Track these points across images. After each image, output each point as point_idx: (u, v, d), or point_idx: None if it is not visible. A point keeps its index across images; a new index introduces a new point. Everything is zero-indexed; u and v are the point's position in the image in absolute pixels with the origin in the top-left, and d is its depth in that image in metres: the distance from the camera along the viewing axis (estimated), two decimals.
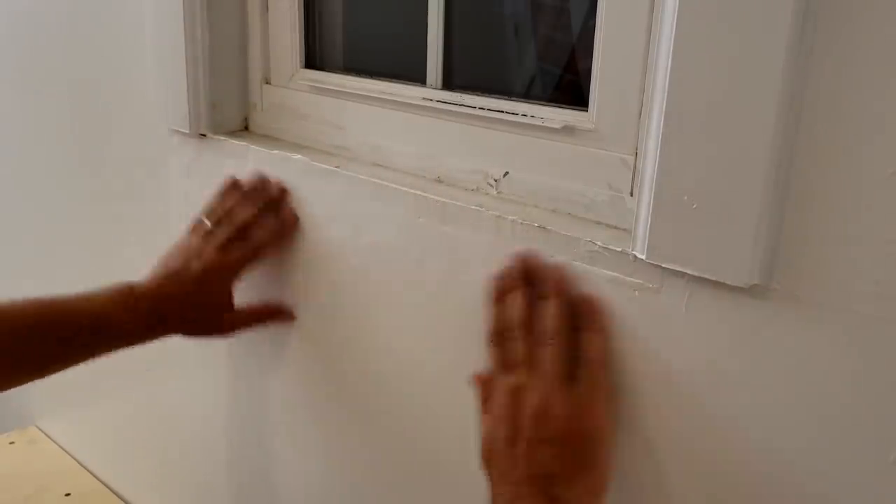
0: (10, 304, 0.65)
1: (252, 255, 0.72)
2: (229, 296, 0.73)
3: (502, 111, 0.63)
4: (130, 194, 0.97)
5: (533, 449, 0.50)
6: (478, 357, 0.63)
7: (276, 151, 0.76)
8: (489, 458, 0.53)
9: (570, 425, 0.50)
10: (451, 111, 0.67)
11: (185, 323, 0.72)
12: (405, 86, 0.71)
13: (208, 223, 0.73)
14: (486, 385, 0.57)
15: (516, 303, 0.55)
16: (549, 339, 0.52)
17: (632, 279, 0.53)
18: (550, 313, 0.53)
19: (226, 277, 0.72)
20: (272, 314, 0.77)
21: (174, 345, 0.96)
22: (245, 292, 0.80)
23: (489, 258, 0.60)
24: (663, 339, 0.52)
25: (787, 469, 0.48)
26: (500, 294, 0.57)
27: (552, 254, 0.57)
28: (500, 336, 0.56)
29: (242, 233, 0.72)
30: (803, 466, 0.47)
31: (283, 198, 0.74)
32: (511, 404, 0.52)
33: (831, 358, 0.45)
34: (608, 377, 0.53)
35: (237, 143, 0.80)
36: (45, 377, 0.68)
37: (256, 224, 0.72)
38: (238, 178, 0.77)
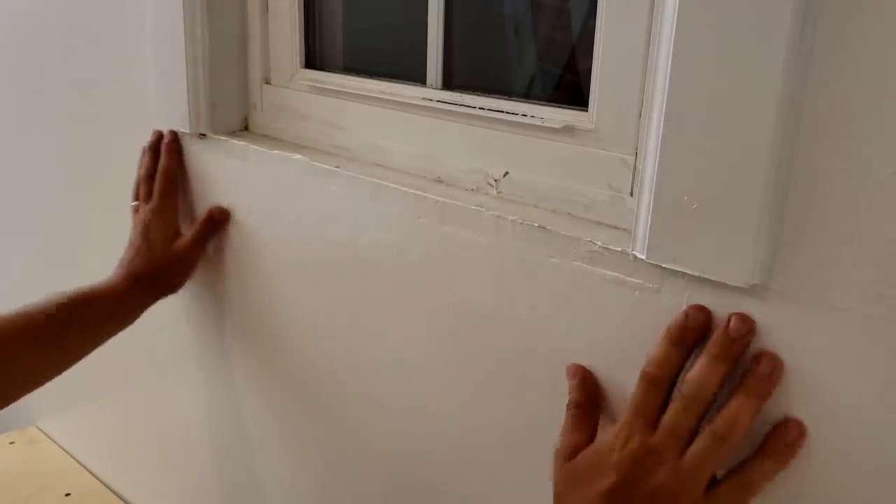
0: (26, 310, 0.75)
1: (163, 186, 0.85)
2: (175, 232, 0.86)
3: (502, 111, 0.63)
4: (131, 194, 0.97)
5: None
6: (475, 358, 0.63)
7: (276, 151, 0.76)
8: (573, 482, 0.49)
9: None
10: (451, 111, 0.67)
11: (159, 274, 0.83)
12: (405, 86, 0.71)
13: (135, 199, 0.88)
14: (591, 398, 0.53)
15: (704, 371, 0.47)
16: (719, 436, 0.46)
17: (632, 279, 0.53)
18: (737, 417, 0.46)
19: (161, 220, 0.84)
20: (212, 222, 0.84)
21: (173, 345, 0.96)
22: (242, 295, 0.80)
23: (489, 258, 0.60)
24: None
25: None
26: (682, 339, 0.49)
27: (552, 255, 0.57)
28: (658, 382, 0.49)
29: (150, 181, 0.86)
30: (803, 465, 0.47)
31: (157, 137, 0.87)
32: (638, 463, 0.47)
33: (831, 358, 0.45)
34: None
35: (237, 143, 0.80)
36: (65, 370, 0.77)
37: (155, 168, 0.87)
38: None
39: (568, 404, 0.54)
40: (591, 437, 0.52)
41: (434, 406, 0.68)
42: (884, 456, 0.44)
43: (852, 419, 0.45)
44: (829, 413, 0.45)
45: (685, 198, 0.47)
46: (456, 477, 0.68)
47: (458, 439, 0.67)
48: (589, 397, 0.54)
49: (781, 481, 0.47)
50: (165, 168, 0.85)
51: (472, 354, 0.64)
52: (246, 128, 0.86)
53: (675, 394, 0.48)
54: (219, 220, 0.84)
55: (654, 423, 0.48)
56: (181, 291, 0.86)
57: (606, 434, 0.50)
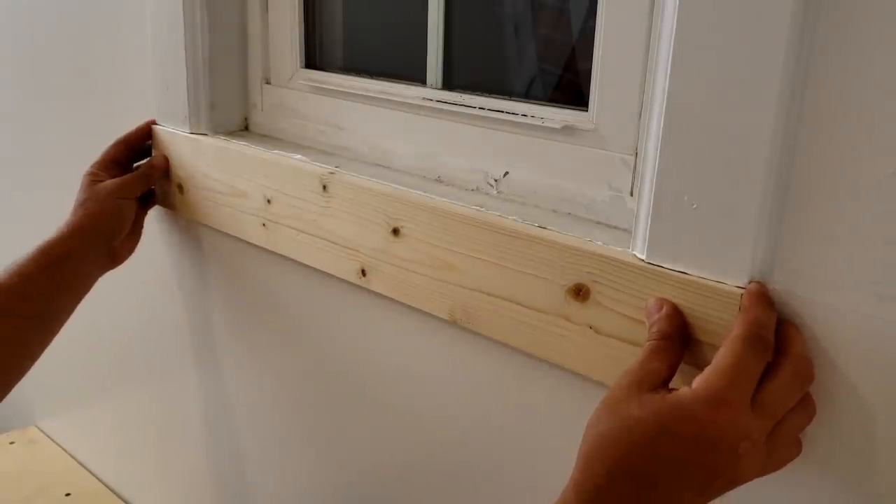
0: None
1: (114, 144, 0.84)
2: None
3: (502, 111, 0.63)
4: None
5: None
6: (477, 355, 0.63)
7: (276, 151, 0.76)
8: (659, 424, 0.43)
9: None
10: (451, 111, 0.67)
11: (95, 221, 0.81)
12: (405, 86, 0.72)
13: None
14: (678, 329, 0.48)
15: (801, 342, 0.46)
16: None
17: None
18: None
19: (103, 171, 0.83)
20: (150, 168, 0.84)
21: (174, 345, 0.96)
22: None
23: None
24: None
25: None
26: (773, 306, 0.47)
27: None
28: (768, 348, 0.44)
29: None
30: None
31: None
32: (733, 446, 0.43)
33: (831, 358, 0.45)
34: None
35: (237, 143, 0.80)
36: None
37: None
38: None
39: (650, 336, 0.49)
40: (671, 372, 0.47)
41: (434, 405, 0.68)
42: (885, 460, 0.44)
43: (852, 419, 0.45)
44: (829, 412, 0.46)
45: (685, 198, 0.47)
46: (455, 477, 0.68)
47: (459, 438, 0.67)
48: (676, 329, 0.49)
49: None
50: (125, 135, 0.85)
51: (474, 353, 0.64)
52: (246, 128, 0.86)
53: (784, 368, 0.44)
54: (156, 167, 0.84)
55: (753, 394, 0.43)
56: (183, 291, 0.86)
57: (703, 390, 0.43)
